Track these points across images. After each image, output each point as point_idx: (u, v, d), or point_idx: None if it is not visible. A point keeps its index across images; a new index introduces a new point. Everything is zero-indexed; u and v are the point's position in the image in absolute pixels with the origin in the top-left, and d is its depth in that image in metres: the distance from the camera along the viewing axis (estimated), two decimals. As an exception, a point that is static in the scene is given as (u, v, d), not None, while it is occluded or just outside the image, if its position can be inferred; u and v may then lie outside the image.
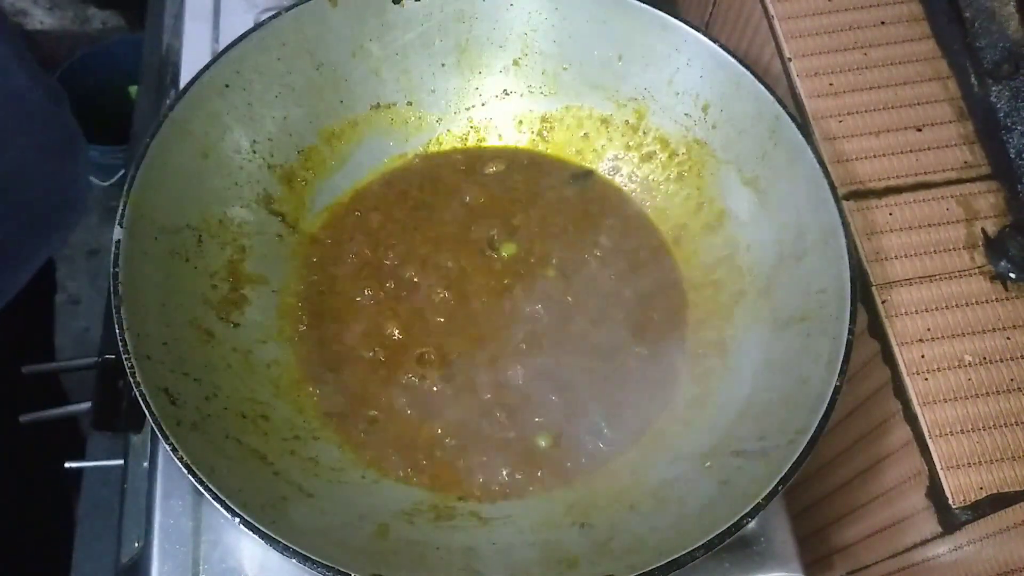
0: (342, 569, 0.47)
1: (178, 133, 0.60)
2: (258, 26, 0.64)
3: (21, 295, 0.80)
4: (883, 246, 0.61)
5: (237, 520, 0.47)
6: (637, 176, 0.72)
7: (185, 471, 0.48)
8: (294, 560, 0.46)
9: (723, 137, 0.66)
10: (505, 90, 0.74)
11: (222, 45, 0.65)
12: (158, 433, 0.49)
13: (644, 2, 0.66)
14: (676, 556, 0.47)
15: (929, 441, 0.55)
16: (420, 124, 0.74)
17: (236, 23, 0.81)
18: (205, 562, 0.58)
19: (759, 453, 0.54)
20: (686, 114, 0.68)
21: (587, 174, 0.73)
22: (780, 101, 0.61)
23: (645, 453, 0.60)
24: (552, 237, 0.69)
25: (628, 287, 0.67)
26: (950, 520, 0.54)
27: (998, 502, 0.53)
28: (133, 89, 1.56)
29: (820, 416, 0.50)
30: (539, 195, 0.72)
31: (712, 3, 0.83)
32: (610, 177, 0.73)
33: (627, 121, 0.72)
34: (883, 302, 0.59)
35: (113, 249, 0.54)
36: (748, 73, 0.62)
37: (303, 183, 0.69)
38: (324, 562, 0.47)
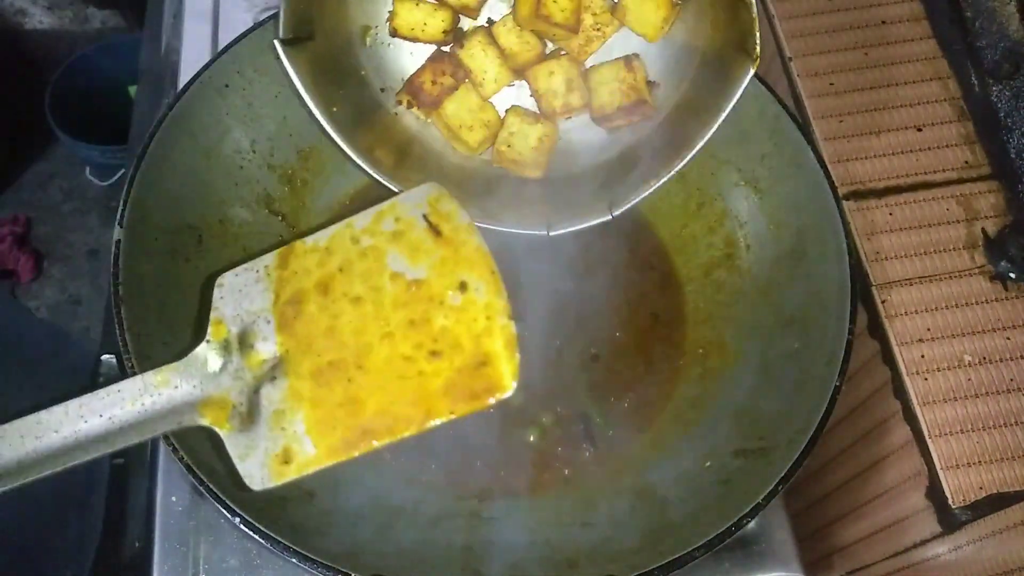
0: (342, 569, 0.47)
1: (178, 133, 0.60)
2: (258, 25, 0.64)
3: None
4: (883, 246, 0.61)
5: (237, 520, 0.47)
6: (637, 176, 0.72)
7: (185, 471, 0.48)
8: (294, 560, 0.46)
9: (724, 137, 0.65)
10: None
11: (222, 44, 0.64)
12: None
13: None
14: (676, 556, 0.47)
15: (929, 441, 0.55)
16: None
17: (236, 22, 0.81)
18: (205, 562, 0.58)
19: (759, 453, 0.54)
20: (686, 114, 0.68)
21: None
22: (780, 101, 0.61)
23: (645, 453, 0.60)
24: (552, 238, 0.69)
25: (629, 287, 0.67)
26: (950, 520, 0.54)
27: (998, 502, 0.53)
28: (132, 88, 1.56)
29: (820, 416, 0.51)
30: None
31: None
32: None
33: (627, 121, 0.72)
34: (883, 302, 0.59)
35: (113, 249, 0.54)
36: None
37: (303, 183, 0.69)
38: (324, 562, 0.47)
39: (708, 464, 0.57)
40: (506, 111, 0.61)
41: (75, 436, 0.39)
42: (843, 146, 0.64)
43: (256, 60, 0.64)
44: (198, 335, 0.56)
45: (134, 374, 0.50)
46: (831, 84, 0.67)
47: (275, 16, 0.56)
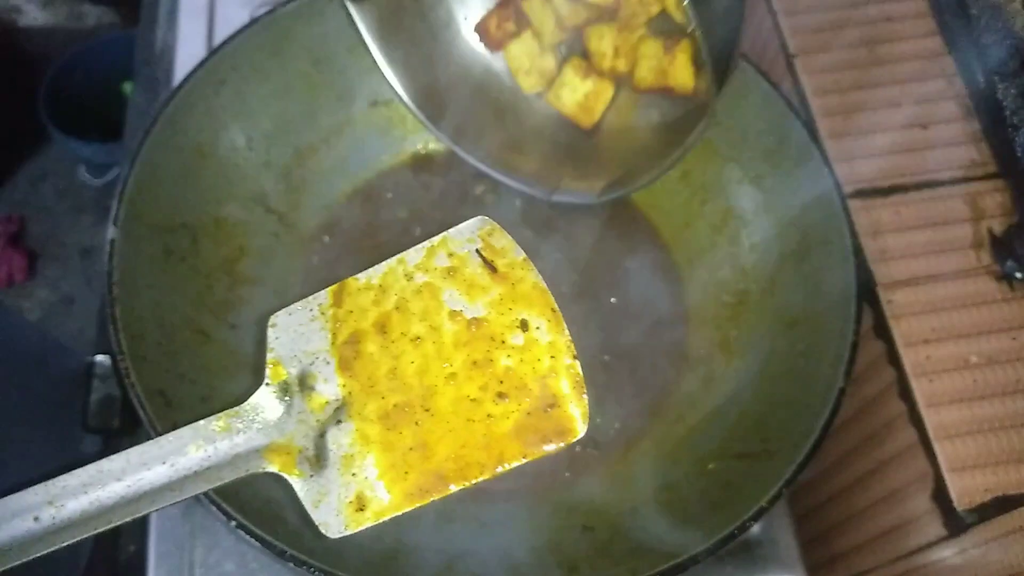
0: (339, 573, 0.46)
1: (173, 130, 0.60)
2: (254, 21, 0.63)
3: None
4: (888, 245, 0.60)
5: (234, 523, 0.46)
6: (638, 174, 0.71)
7: (180, 475, 0.47)
8: (291, 564, 0.46)
9: (727, 135, 0.65)
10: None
11: (217, 41, 0.64)
12: (152, 436, 0.48)
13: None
14: (679, 560, 0.47)
15: (934, 443, 0.54)
16: (418, 121, 0.73)
17: (232, 18, 0.80)
18: (201, 566, 0.57)
19: (763, 455, 0.53)
20: (688, 111, 0.68)
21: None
22: (785, 98, 0.60)
23: (647, 455, 0.60)
24: (553, 238, 0.69)
25: (631, 287, 0.66)
26: (955, 523, 0.53)
27: (1004, 504, 0.52)
28: (127, 86, 1.55)
29: (825, 418, 0.50)
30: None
31: None
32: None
33: (628, 119, 0.71)
34: (888, 302, 0.59)
35: (107, 248, 0.54)
36: (752, 70, 0.61)
37: (300, 181, 0.68)
38: (321, 566, 0.46)
39: (711, 466, 0.56)
40: (565, 61, 0.62)
41: (138, 485, 0.38)
42: (848, 144, 0.64)
43: (252, 57, 0.64)
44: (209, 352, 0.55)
45: (129, 376, 0.50)
46: (835, 81, 0.66)
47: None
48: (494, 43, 0.63)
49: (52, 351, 0.76)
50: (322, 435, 0.41)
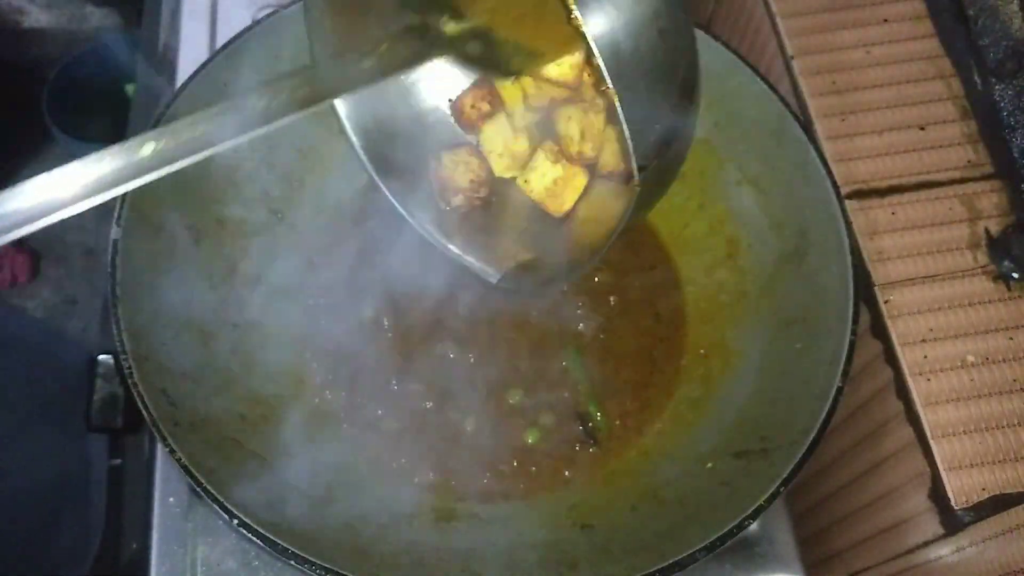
0: (341, 571, 0.46)
1: (176, 132, 0.60)
2: (256, 24, 0.64)
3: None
4: (885, 246, 0.61)
5: (236, 522, 0.47)
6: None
7: (183, 472, 0.48)
8: (292, 562, 0.46)
9: (725, 136, 0.66)
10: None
11: (220, 43, 0.64)
12: (156, 434, 0.49)
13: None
14: (677, 558, 0.47)
15: (931, 442, 0.55)
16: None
17: (234, 21, 0.80)
18: (203, 563, 0.58)
19: (761, 454, 0.54)
20: (687, 113, 0.68)
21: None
22: (783, 100, 0.60)
23: (646, 454, 0.60)
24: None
25: (630, 288, 0.66)
26: (952, 521, 0.54)
27: (1001, 503, 0.53)
28: (130, 87, 1.55)
29: (822, 417, 0.50)
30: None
31: (713, 1, 0.83)
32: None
33: (628, 120, 0.71)
34: (885, 302, 0.59)
35: (110, 249, 0.54)
36: (750, 71, 0.62)
37: (302, 183, 0.69)
38: (323, 564, 0.46)
39: (709, 465, 0.56)
40: (539, 146, 0.59)
41: (212, 132, 0.48)
42: (845, 145, 0.64)
43: (255, 59, 0.64)
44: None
45: (132, 376, 0.50)
46: (833, 83, 0.67)
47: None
48: (468, 123, 0.60)
49: (57, 344, 0.77)
50: None
